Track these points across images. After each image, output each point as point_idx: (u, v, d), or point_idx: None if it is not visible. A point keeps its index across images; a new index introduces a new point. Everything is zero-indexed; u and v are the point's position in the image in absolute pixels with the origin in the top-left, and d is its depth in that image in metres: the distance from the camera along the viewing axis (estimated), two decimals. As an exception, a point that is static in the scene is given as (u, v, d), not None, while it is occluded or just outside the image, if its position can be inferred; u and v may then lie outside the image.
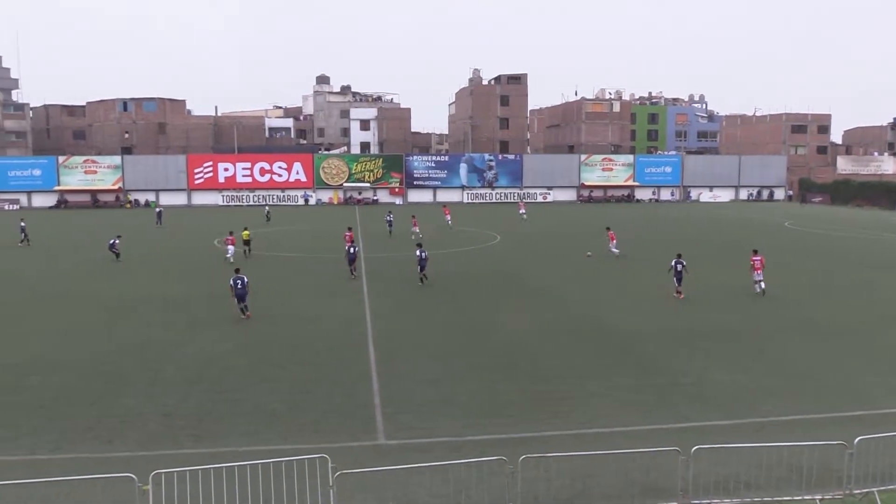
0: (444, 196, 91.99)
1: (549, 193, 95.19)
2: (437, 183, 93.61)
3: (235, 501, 10.86)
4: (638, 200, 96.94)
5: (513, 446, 13.15)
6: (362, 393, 17.27)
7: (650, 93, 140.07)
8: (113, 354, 20.76)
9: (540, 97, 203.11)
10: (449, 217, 59.81)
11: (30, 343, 22.14)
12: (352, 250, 33.95)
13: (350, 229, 41.49)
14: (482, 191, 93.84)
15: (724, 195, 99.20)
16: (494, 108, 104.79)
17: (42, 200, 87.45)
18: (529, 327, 23.80)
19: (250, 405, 16.46)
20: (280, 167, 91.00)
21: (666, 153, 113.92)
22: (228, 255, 37.92)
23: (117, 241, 39.46)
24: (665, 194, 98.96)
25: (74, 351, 21.20)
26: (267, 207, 72.70)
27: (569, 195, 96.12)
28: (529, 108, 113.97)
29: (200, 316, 25.72)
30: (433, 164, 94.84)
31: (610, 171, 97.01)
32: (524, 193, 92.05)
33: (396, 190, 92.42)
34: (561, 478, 11.84)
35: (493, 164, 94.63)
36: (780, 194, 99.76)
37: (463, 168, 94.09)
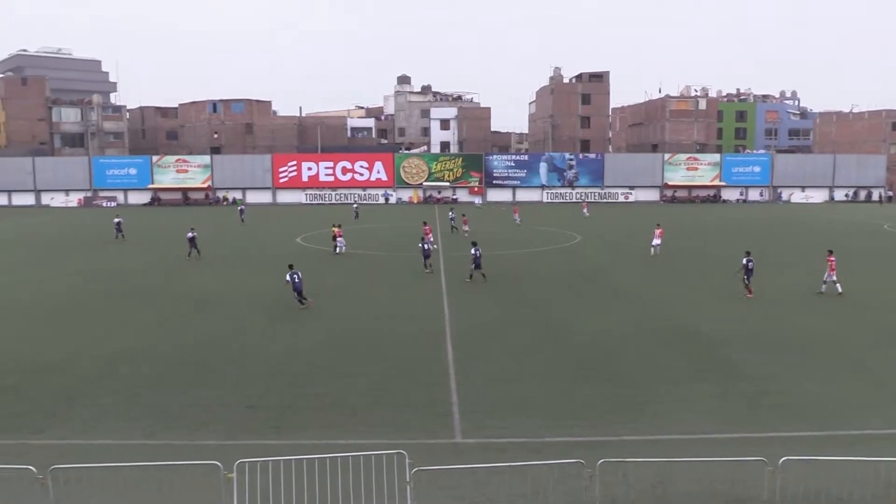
0: (524, 195, 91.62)
1: (631, 193, 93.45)
2: (516, 182, 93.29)
3: (315, 493, 11.09)
4: (724, 201, 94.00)
5: (591, 449, 12.96)
6: (440, 390, 17.36)
7: (738, 89, 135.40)
8: (200, 347, 21.56)
9: (622, 95, 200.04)
10: (517, 216, 61.18)
11: (121, 334, 23.23)
12: (426, 246, 34.76)
13: (426, 223, 42.78)
14: (562, 190, 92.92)
15: (818, 196, 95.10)
16: (575, 106, 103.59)
17: (137, 198, 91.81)
18: (609, 328, 23.41)
19: (330, 400, 16.80)
20: (361, 166, 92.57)
21: (755, 152, 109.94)
22: (339, 248, 40.55)
23: (194, 235, 40.70)
24: (753, 194, 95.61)
25: (163, 342, 22.12)
26: (356, 205, 74.27)
27: (651, 195, 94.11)
28: (611, 106, 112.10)
29: (282, 311, 26.40)
30: (513, 164, 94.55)
31: (695, 171, 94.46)
32: (586, 194, 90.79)
33: (476, 189, 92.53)
34: (640, 483, 11.59)
35: (573, 163, 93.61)
36: (878, 194, 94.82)
37: (543, 167, 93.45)
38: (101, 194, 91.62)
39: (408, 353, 20.66)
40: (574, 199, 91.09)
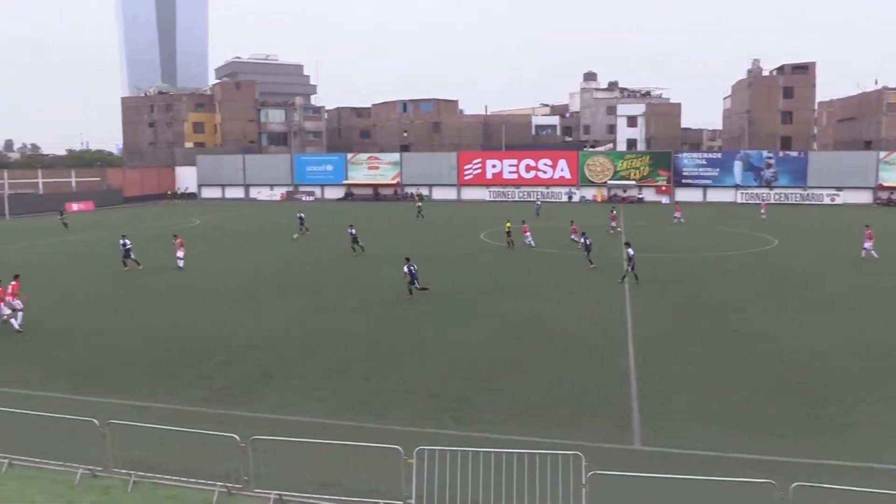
0: (716, 196, 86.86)
1: (839, 195, 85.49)
2: (707, 182, 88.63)
3: (490, 486, 11.23)
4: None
5: (782, 470, 12.04)
6: (620, 394, 16.93)
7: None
8: (387, 336, 22.58)
9: (830, 88, 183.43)
10: (679, 213, 61.08)
11: (313, 321, 24.89)
12: (587, 242, 35.82)
13: (573, 222, 45.64)
14: (759, 191, 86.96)
15: None
16: (776, 100, 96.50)
17: (333, 193, 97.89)
18: (807, 339, 21.59)
19: (509, 395, 16.93)
20: (545, 164, 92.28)
21: None
22: (528, 242, 42.35)
23: (354, 231, 41.98)
24: None
25: (351, 330, 23.41)
26: (538, 203, 74.39)
27: (862, 197, 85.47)
28: (817, 100, 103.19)
29: (464, 306, 26.99)
30: (704, 162, 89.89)
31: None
32: (766, 194, 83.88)
33: (663, 188, 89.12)
34: (841, 512, 10.58)
35: (772, 161, 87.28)
36: None
37: (737, 166, 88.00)
38: (301, 189, 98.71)
39: (587, 353, 20.32)
40: (773, 200, 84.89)
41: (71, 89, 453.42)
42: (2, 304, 23.39)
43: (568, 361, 19.59)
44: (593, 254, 36.02)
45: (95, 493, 12.32)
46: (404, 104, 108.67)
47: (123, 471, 12.74)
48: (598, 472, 10.87)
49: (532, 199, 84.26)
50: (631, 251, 31.20)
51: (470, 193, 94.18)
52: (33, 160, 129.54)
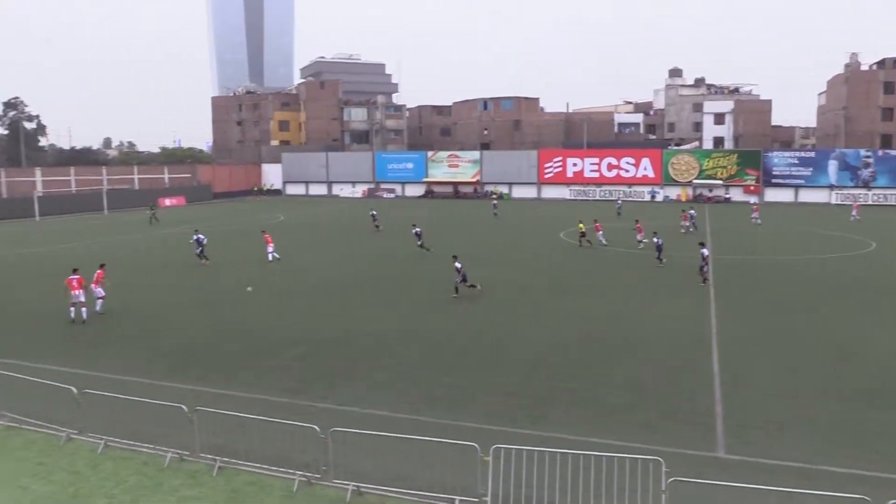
0: (808, 196, 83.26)
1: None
2: (799, 181, 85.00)
3: (567, 488, 11.08)
4: None
5: (880, 488, 11.43)
6: (703, 399, 16.41)
7: None
8: (464, 333, 22.61)
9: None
10: (756, 214, 58.80)
11: (393, 315, 25.16)
12: (659, 241, 35.59)
13: (638, 221, 45.36)
14: (855, 191, 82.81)
15: None
16: (875, 96, 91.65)
17: (413, 190, 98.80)
18: (909, 351, 20.39)
19: (587, 396, 16.68)
20: (628, 162, 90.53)
21: None
22: (601, 241, 42.90)
23: (419, 230, 42.10)
24: None
25: (430, 326, 23.55)
26: (619, 202, 73.25)
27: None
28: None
29: (540, 304, 26.75)
30: (796, 161, 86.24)
31: None
32: (860, 195, 79.42)
33: (752, 188, 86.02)
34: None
35: (870, 160, 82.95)
36: None
37: (832, 165, 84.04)
38: (382, 186, 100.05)
39: (669, 356, 19.80)
40: (871, 202, 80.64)
41: (165, 90, 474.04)
42: (80, 291, 24.54)
43: (648, 363, 19.13)
44: (663, 253, 35.61)
45: (183, 476, 12.80)
46: (485, 102, 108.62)
47: (209, 456, 13.19)
48: (679, 478, 10.57)
49: (613, 198, 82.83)
50: (706, 251, 30.49)
51: (550, 192, 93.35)
52: (130, 157, 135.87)
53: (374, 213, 55.27)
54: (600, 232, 43.49)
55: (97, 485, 12.54)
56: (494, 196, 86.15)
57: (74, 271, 25.40)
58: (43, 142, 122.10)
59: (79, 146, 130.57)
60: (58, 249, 44.38)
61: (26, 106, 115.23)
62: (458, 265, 28.23)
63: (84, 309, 24.42)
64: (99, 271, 25.98)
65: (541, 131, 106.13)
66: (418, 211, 71.43)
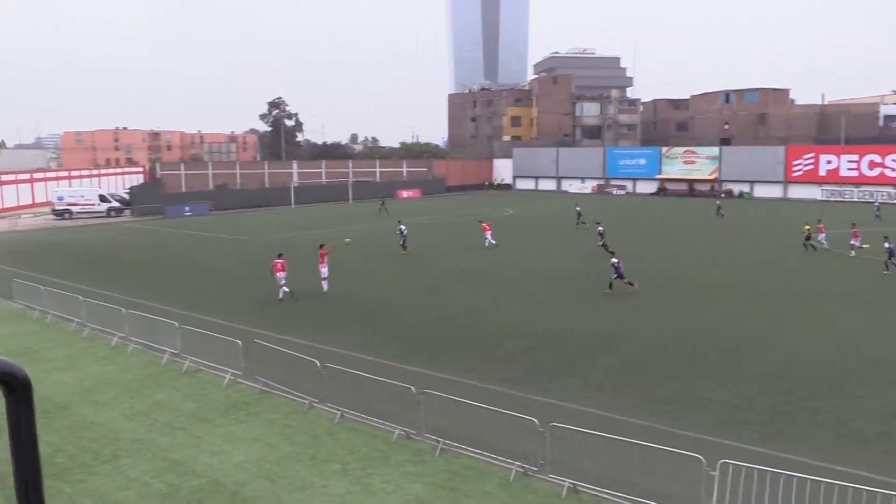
0: None
1: None
2: None
3: (803, 515, 10.14)
4: None
5: None
6: (978, 435, 14.15)
7: None
8: (694, 335, 21.51)
9: None
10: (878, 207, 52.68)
11: (617, 313, 24.55)
12: (890, 246, 32.22)
13: (854, 225, 40.04)
14: None
15: None
16: None
17: (644, 188, 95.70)
18: None
19: (831, 418, 15.10)
20: (894, 160, 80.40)
21: None
22: (822, 244, 40.02)
23: (601, 228, 40.29)
24: None
25: (656, 326, 22.67)
26: (877, 203, 65.63)
27: None
28: None
29: (786, 311, 24.64)
30: None
31: None
32: None
33: None
34: None
35: None
36: None
37: None
38: (612, 182, 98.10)
39: (936, 383, 17.31)
40: None
41: (406, 88, 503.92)
42: (283, 273, 27.25)
43: (910, 388, 16.87)
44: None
45: (408, 453, 13.56)
46: (727, 94, 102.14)
47: (433, 437, 13.84)
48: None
49: (871, 199, 74.02)
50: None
51: (798, 192, 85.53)
52: (373, 152, 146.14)
53: (579, 209, 54.42)
54: (822, 234, 40.53)
55: (333, 451, 13.69)
56: (726, 193, 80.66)
57: (279, 256, 28.22)
58: (299, 137, 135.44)
59: (329, 141, 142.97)
60: (307, 235, 49.03)
61: (287, 105, 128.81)
62: (614, 261, 28.40)
63: (285, 288, 27.17)
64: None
65: (790, 125, 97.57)
66: (646, 211, 69.10)
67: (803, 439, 13.99)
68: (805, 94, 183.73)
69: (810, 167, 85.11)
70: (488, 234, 40.90)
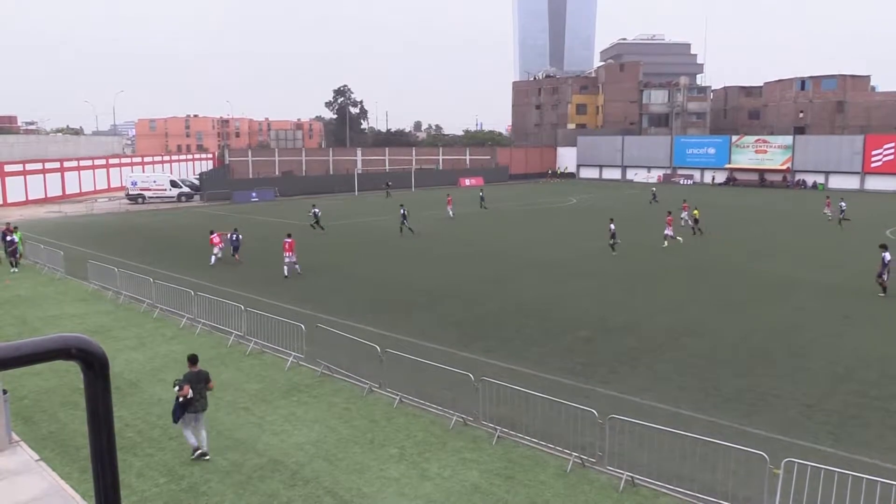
0: None
1: None
2: None
3: (872, 519, 9.81)
4: None
5: None
6: None
7: None
8: (762, 334, 20.94)
9: None
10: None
11: (686, 307, 24.08)
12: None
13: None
14: None
15: None
16: None
17: (713, 177, 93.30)
18: None
19: (905, 419, 14.53)
20: (981, 151, 76.22)
21: None
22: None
23: (613, 227, 37.63)
24: None
25: (723, 322, 22.14)
26: None
27: None
28: None
29: (859, 308, 23.75)
30: None
31: None
32: None
33: None
34: None
35: None
36: None
37: None
38: (679, 172, 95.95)
39: None
40: None
41: (471, 75, 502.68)
42: (291, 253, 29.34)
43: None
44: None
45: (465, 439, 13.64)
46: (802, 81, 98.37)
47: (490, 424, 13.89)
48: None
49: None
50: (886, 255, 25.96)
51: (877, 183, 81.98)
52: (436, 139, 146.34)
53: (654, 190, 54.20)
54: None
55: (390, 435, 13.88)
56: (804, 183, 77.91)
57: (288, 236, 30.14)
58: (364, 125, 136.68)
59: (393, 129, 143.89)
60: (376, 221, 49.58)
61: (352, 93, 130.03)
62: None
63: (297, 266, 29.61)
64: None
65: (870, 114, 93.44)
66: (714, 198, 67.39)
67: (875, 441, 13.49)
68: (887, 82, 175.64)
69: (890, 157, 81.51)
70: (449, 208, 49.66)
